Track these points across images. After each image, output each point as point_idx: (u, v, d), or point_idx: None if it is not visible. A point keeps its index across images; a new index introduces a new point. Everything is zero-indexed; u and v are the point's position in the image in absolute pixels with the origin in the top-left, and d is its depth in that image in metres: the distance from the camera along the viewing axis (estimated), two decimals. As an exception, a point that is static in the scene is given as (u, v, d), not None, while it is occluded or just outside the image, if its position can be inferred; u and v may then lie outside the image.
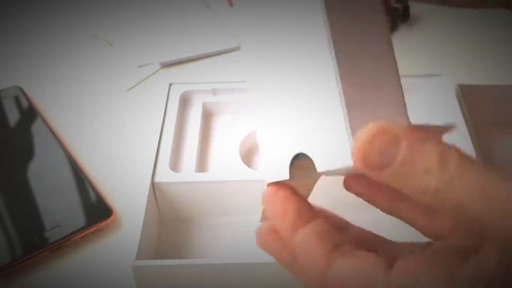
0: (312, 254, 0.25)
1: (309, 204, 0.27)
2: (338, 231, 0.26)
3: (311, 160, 0.25)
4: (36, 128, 0.58)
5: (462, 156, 0.22)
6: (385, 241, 0.29)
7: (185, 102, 0.56)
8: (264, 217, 0.29)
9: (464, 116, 0.51)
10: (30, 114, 0.60)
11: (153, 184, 0.47)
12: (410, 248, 0.27)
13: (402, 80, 0.25)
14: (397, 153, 0.22)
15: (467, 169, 0.21)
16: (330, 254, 0.25)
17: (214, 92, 0.56)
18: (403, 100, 0.25)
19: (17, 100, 0.62)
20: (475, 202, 0.21)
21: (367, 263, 0.24)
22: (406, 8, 0.72)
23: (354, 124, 0.23)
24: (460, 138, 0.49)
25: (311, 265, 0.25)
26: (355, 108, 0.23)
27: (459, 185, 0.21)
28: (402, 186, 0.22)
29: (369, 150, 0.22)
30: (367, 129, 0.22)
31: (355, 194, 0.29)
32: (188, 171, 0.50)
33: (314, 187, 0.30)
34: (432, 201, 0.22)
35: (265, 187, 0.28)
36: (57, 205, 0.50)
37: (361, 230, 0.30)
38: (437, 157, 0.22)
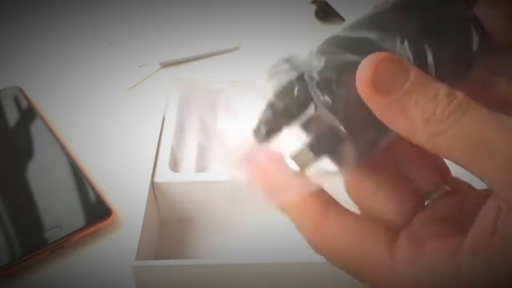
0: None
1: None
2: None
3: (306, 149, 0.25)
4: (36, 128, 0.58)
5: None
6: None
7: (185, 102, 0.56)
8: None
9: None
10: (29, 114, 0.60)
11: (153, 184, 0.47)
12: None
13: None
14: (406, 80, 0.21)
15: (472, 103, 0.21)
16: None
17: (213, 91, 0.56)
18: None
19: (16, 100, 0.62)
20: (487, 129, 0.20)
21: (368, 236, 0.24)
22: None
23: None
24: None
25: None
26: None
27: (468, 108, 0.21)
28: (403, 115, 0.21)
29: (377, 74, 0.21)
30: (375, 56, 0.22)
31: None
32: (188, 171, 0.50)
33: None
34: (435, 131, 0.21)
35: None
36: (56, 205, 0.50)
37: None
38: (445, 89, 0.21)
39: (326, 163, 0.25)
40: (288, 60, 0.24)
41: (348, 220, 0.24)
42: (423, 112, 0.21)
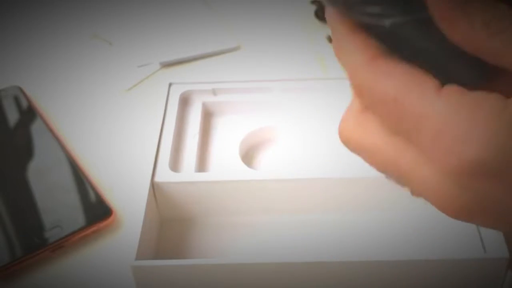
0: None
1: None
2: None
3: None
4: (36, 128, 0.58)
5: None
6: None
7: (185, 102, 0.56)
8: None
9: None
10: (29, 114, 0.60)
11: (153, 184, 0.47)
12: None
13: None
14: None
15: None
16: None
17: (214, 92, 0.56)
18: None
19: (16, 100, 0.62)
20: None
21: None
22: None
23: None
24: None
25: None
26: None
27: None
28: (465, 19, 0.22)
29: None
30: None
31: None
32: (188, 171, 0.50)
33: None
34: (494, 31, 0.22)
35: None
36: (56, 205, 0.50)
37: None
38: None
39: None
40: None
41: (400, 63, 0.24)
42: (484, 16, 0.22)
